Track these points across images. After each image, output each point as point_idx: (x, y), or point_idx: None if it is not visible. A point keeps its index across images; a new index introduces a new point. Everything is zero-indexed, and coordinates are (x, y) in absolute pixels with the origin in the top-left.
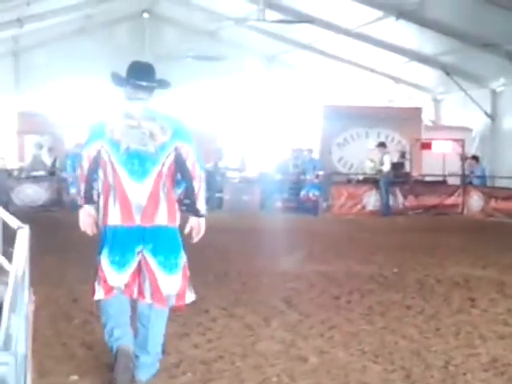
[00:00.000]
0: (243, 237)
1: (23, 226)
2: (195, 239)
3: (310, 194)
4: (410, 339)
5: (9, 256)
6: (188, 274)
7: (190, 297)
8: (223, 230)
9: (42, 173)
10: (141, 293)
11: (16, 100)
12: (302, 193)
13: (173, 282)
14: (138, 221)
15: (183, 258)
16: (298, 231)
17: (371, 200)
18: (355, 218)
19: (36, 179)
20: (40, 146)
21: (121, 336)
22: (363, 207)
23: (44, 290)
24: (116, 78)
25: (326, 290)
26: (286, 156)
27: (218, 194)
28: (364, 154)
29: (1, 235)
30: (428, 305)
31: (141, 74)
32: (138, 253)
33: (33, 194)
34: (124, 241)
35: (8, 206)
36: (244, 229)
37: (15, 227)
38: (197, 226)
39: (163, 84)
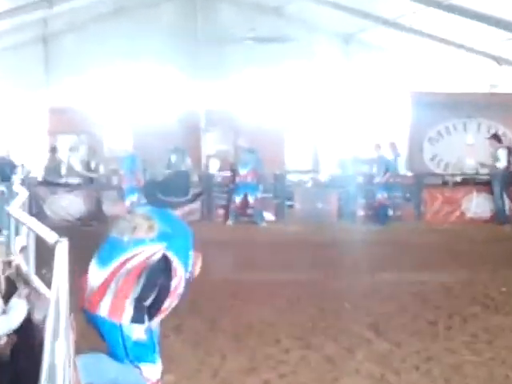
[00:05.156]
0: (319, 252)
1: (61, 239)
2: None
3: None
4: None
5: (42, 278)
6: None
7: None
8: (294, 243)
9: (74, 180)
10: None
11: (47, 94)
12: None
13: None
14: (86, 304)
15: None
16: (384, 243)
17: (472, 205)
18: (453, 226)
19: (72, 188)
20: (55, 149)
21: None
22: (462, 214)
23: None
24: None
25: (421, 313)
26: (367, 154)
27: (288, 202)
28: (462, 150)
29: (33, 252)
30: None
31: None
32: None
33: (68, 205)
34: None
35: (39, 219)
36: (320, 242)
37: (52, 241)
38: None
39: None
